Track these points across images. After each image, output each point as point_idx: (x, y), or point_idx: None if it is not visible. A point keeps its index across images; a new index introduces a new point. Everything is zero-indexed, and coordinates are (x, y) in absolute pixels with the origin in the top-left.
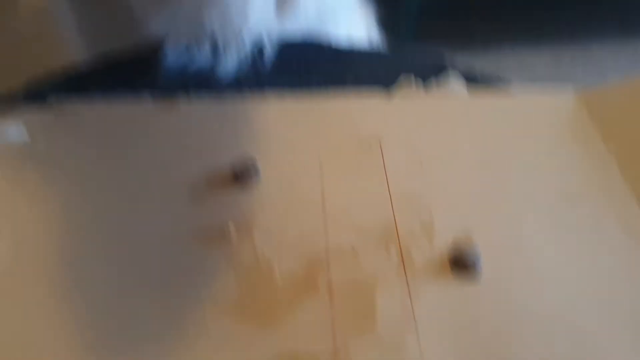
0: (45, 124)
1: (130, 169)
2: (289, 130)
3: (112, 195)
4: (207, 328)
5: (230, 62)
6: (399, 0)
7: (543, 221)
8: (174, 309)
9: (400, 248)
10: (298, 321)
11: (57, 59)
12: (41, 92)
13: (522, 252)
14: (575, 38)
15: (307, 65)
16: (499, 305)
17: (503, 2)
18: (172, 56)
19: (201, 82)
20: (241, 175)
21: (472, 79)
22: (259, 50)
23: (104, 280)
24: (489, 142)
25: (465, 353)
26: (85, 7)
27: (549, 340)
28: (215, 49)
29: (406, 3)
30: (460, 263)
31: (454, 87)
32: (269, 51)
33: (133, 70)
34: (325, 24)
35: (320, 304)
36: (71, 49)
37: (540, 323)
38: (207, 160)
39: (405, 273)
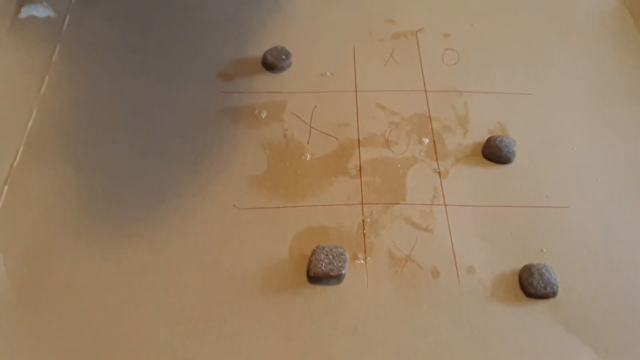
0: (71, 2)
1: (157, 49)
2: (321, 18)
3: (138, 73)
4: (235, 201)
5: None
6: None
7: (580, 117)
8: (203, 183)
9: (433, 136)
10: (327, 198)
11: None
12: None
13: (557, 146)
14: None
15: None
16: (528, 189)
17: None
18: None
19: None
20: (272, 62)
21: None
22: None
23: (130, 155)
24: (529, 36)
25: (488, 227)
26: None
27: (577, 227)
28: None
29: None
30: (495, 152)
31: None
32: None
33: None
34: None
35: (350, 183)
36: None
37: (569, 211)
38: (237, 45)
39: (436, 155)
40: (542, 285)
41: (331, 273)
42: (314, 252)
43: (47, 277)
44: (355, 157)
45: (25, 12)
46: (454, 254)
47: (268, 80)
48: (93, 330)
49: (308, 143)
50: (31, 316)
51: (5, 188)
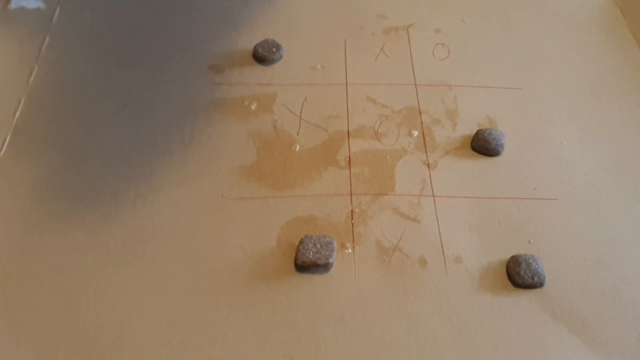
0: None
1: (148, 41)
2: (313, 11)
3: (127, 64)
4: (223, 191)
5: None
6: None
7: (569, 111)
8: (191, 172)
9: (423, 129)
10: (316, 188)
11: None
12: None
13: (546, 139)
14: None
15: None
16: (516, 181)
17: None
18: None
19: None
20: (263, 54)
21: None
22: None
23: (118, 144)
24: (519, 32)
25: (476, 218)
26: None
27: (565, 219)
28: None
29: None
30: (483, 144)
31: None
32: None
33: None
34: None
35: (339, 174)
36: None
37: (557, 203)
38: (229, 38)
39: (425, 147)
40: (530, 275)
41: (318, 262)
42: (301, 242)
43: (33, 266)
44: (345, 149)
45: (16, 2)
46: (441, 244)
47: (259, 72)
48: (78, 318)
49: (298, 134)
50: (16, 303)
51: None
